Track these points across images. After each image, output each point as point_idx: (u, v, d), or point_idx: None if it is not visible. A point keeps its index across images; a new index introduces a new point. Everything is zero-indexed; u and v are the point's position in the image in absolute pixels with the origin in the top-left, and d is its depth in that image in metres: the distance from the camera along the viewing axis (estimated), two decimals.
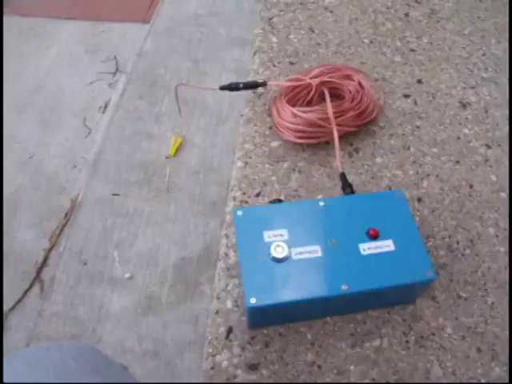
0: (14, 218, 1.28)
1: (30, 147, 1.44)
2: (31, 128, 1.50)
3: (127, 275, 1.10)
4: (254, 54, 0.87)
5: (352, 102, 0.71)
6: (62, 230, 1.24)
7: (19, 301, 1.10)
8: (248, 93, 0.80)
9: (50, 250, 1.20)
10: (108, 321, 1.03)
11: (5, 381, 0.37)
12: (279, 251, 0.50)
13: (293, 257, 0.50)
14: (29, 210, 1.30)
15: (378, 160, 0.70)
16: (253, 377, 0.52)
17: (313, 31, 0.90)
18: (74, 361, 0.38)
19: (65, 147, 1.44)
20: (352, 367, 0.53)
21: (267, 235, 0.52)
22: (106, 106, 1.54)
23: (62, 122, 1.51)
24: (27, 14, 1.85)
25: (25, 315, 1.08)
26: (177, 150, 1.33)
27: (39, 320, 1.06)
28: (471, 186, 0.69)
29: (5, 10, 1.85)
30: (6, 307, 1.09)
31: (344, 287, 0.49)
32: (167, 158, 1.32)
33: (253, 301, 0.48)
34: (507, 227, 0.64)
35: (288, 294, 0.48)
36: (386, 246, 0.51)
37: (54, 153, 1.43)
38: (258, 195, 0.66)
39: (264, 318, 0.53)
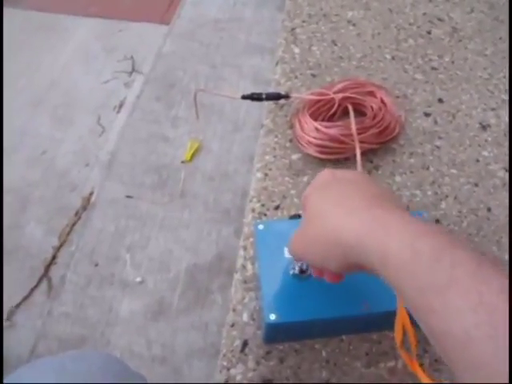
0: (23, 213, 1.28)
1: (42, 143, 1.44)
2: (45, 124, 1.50)
3: (138, 279, 1.09)
4: (277, 64, 0.87)
5: (374, 119, 0.71)
6: (71, 228, 1.24)
7: (26, 297, 1.10)
8: (269, 103, 0.80)
9: (59, 248, 1.20)
10: (117, 324, 1.03)
11: None
12: (300, 268, 0.50)
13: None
14: (39, 205, 1.30)
15: (398, 179, 0.70)
16: None
17: (335, 44, 0.91)
18: (100, 372, 0.39)
19: (78, 145, 1.44)
20: None
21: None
22: (120, 106, 1.54)
23: (76, 120, 1.51)
24: (46, 9, 1.86)
25: (32, 313, 1.08)
26: (193, 155, 1.33)
27: (47, 319, 1.06)
28: (489, 210, 0.68)
29: (24, 4, 1.86)
30: (12, 303, 1.09)
31: (364, 307, 0.49)
32: (183, 162, 1.31)
33: (272, 317, 0.48)
34: None
35: (307, 312, 0.49)
36: None
37: (66, 150, 1.43)
38: (276, 208, 0.66)
39: (281, 333, 0.53)
